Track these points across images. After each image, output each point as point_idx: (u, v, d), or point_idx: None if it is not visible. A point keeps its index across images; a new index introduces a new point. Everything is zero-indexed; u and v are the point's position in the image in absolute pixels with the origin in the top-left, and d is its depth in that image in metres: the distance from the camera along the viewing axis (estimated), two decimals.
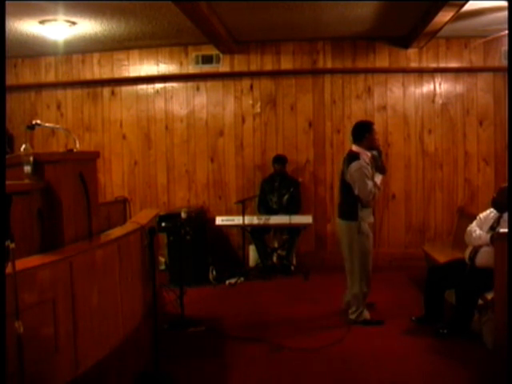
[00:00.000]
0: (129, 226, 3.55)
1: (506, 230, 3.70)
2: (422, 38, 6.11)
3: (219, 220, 6.31)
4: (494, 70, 6.58)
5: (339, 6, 5.32)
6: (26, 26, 5.65)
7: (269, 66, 6.82)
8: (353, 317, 4.43)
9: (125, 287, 3.06)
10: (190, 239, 5.90)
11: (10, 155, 3.00)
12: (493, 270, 3.72)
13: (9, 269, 1.95)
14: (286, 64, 6.79)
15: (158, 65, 7.01)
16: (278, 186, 6.49)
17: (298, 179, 6.70)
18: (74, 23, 5.61)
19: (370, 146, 4.40)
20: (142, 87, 7.08)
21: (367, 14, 5.58)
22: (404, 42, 6.57)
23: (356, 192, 4.31)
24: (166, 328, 4.30)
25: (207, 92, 6.98)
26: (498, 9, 5.11)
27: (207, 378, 3.48)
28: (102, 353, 2.71)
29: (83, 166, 3.02)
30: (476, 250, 4.18)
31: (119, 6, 5.13)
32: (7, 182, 2.33)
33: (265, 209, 6.50)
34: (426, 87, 6.74)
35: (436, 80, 6.72)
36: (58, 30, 5.66)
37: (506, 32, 5.05)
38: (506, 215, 4.08)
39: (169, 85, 7.04)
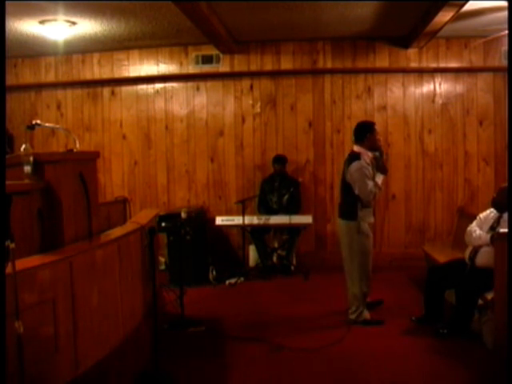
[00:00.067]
0: (129, 226, 3.55)
1: (506, 230, 3.71)
2: (422, 38, 6.11)
3: (219, 220, 6.31)
4: (494, 69, 6.58)
5: (339, 6, 5.32)
6: (26, 26, 5.65)
7: (269, 66, 6.82)
8: (353, 317, 4.43)
9: (125, 287, 3.06)
10: (190, 239, 5.90)
11: (9, 155, 3.00)
12: (493, 269, 3.72)
13: (9, 269, 1.95)
14: (286, 64, 6.79)
15: (158, 65, 7.01)
16: (278, 186, 6.49)
17: (298, 179, 6.70)
18: (74, 23, 5.61)
19: (372, 146, 4.41)
20: (142, 87, 7.08)
21: (367, 14, 5.58)
22: (404, 42, 6.57)
23: (356, 192, 4.32)
24: (165, 328, 4.30)
25: (207, 92, 6.98)
26: (498, 9, 5.11)
27: (207, 378, 3.48)
28: (102, 353, 2.71)
29: (83, 166, 3.02)
30: (476, 250, 4.18)
31: (119, 5, 5.13)
32: (7, 182, 2.33)
33: (265, 209, 6.50)
34: (426, 87, 6.74)
35: (436, 80, 6.72)
36: (58, 29, 5.66)
37: (506, 32, 5.05)
38: (505, 215, 4.08)
39: (169, 85, 7.04)
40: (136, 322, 3.30)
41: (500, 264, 3.59)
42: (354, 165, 4.32)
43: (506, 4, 4.76)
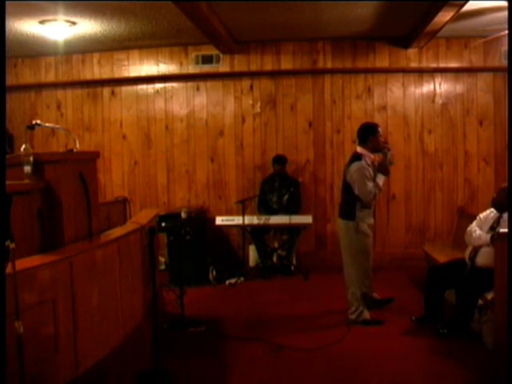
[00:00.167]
0: (129, 226, 3.55)
1: (506, 230, 3.70)
2: (422, 38, 6.11)
3: (219, 220, 6.31)
4: (494, 69, 6.58)
5: (339, 6, 5.32)
6: (26, 26, 5.65)
7: (269, 66, 6.82)
8: (353, 317, 4.43)
9: (125, 287, 3.06)
10: (189, 239, 5.90)
11: (9, 155, 2.99)
12: (493, 269, 3.72)
13: (9, 269, 1.95)
14: (286, 64, 6.79)
15: (158, 65, 7.01)
16: (278, 185, 6.49)
17: (297, 179, 6.70)
18: (74, 23, 5.61)
19: (375, 147, 4.44)
20: (142, 87, 7.08)
21: (367, 14, 5.58)
22: (404, 42, 6.57)
23: (356, 192, 4.34)
24: (166, 328, 4.30)
25: (207, 92, 6.98)
26: (498, 9, 5.11)
27: (207, 378, 3.48)
28: (102, 353, 2.71)
29: (83, 166, 3.02)
30: (476, 250, 4.19)
31: (119, 5, 5.13)
32: (7, 182, 2.33)
33: (265, 209, 6.50)
34: (426, 87, 6.74)
35: (436, 80, 6.72)
36: (58, 29, 5.66)
37: (506, 32, 5.05)
38: (505, 215, 4.09)
39: (169, 85, 7.04)
40: (136, 321, 3.30)
41: (500, 264, 3.59)
42: (355, 165, 4.34)
43: (505, 4, 4.76)
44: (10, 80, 6.96)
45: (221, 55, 6.82)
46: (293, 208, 6.40)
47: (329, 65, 6.75)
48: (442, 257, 5.20)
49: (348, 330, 4.27)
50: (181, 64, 6.97)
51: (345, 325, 4.38)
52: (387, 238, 6.63)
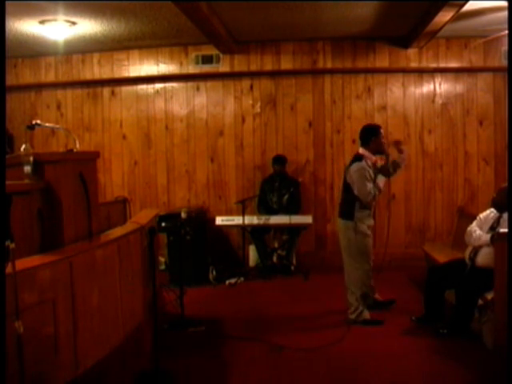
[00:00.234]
0: (129, 226, 3.55)
1: (506, 230, 3.71)
2: (422, 38, 6.11)
3: (219, 220, 6.31)
4: (494, 69, 6.59)
5: (339, 6, 5.32)
6: (26, 26, 5.65)
7: (269, 66, 6.82)
8: (352, 317, 4.43)
9: (125, 287, 3.06)
10: (189, 239, 5.90)
11: (9, 155, 2.99)
12: (493, 270, 3.72)
13: (9, 269, 1.95)
14: (286, 64, 6.79)
15: (158, 65, 7.01)
16: (278, 186, 6.49)
17: (297, 179, 6.70)
18: (74, 23, 5.61)
19: (377, 149, 4.46)
20: (142, 87, 7.08)
21: (367, 14, 5.58)
22: (404, 42, 6.57)
23: (355, 192, 4.35)
24: (166, 328, 4.30)
25: (207, 92, 6.98)
26: (498, 9, 5.11)
27: (207, 378, 3.48)
28: (102, 353, 2.70)
29: (83, 166, 3.02)
30: (476, 250, 4.18)
31: (119, 5, 5.13)
32: (7, 182, 2.33)
33: (265, 209, 6.50)
34: (426, 87, 6.74)
35: (436, 80, 6.72)
36: (58, 29, 5.66)
37: (506, 32, 5.05)
38: (505, 215, 4.08)
39: (169, 85, 7.04)
40: (136, 321, 3.30)
41: (500, 264, 3.59)
42: (355, 165, 4.37)
43: (505, 4, 4.76)
44: (10, 80, 6.96)
45: (221, 55, 6.82)
46: (293, 208, 6.40)
47: (329, 65, 6.76)
48: (441, 257, 5.20)
49: (348, 329, 4.27)
50: (181, 64, 6.97)
51: (345, 325, 4.38)
52: (387, 238, 6.62)
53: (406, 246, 6.74)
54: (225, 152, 6.95)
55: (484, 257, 4.09)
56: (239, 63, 6.85)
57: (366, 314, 4.44)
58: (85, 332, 2.52)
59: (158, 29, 6.01)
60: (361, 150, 4.47)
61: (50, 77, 7.17)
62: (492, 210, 4.29)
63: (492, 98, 6.64)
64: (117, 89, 7.11)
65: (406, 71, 6.72)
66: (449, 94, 6.72)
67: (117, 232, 3.27)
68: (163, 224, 5.80)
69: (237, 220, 6.20)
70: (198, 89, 6.99)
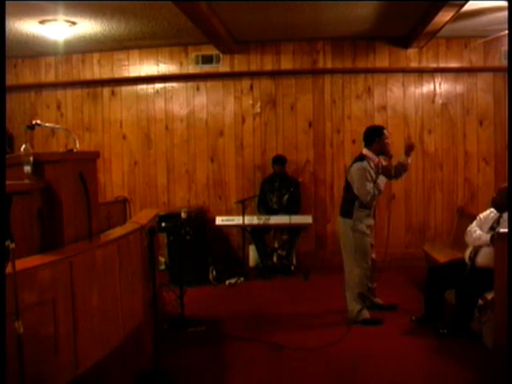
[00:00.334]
0: (129, 226, 3.55)
1: (506, 230, 3.71)
2: (422, 38, 6.11)
3: (219, 220, 6.31)
4: (494, 69, 6.59)
5: (339, 6, 5.32)
6: (26, 26, 5.65)
7: (269, 66, 6.82)
8: (352, 316, 4.44)
9: (125, 287, 3.06)
10: (189, 239, 5.90)
11: (9, 155, 2.99)
12: (493, 270, 3.72)
13: (9, 269, 1.95)
14: (286, 64, 6.79)
15: (158, 65, 7.01)
16: (278, 186, 6.49)
17: (297, 179, 6.70)
18: (74, 23, 5.61)
19: (380, 150, 4.47)
20: (142, 87, 7.08)
21: (367, 14, 5.58)
22: (404, 42, 6.57)
23: (355, 191, 4.37)
24: (166, 328, 4.30)
25: (207, 92, 6.98)
26: (498, 9, 5.11)
27: (207, 378, 3.48)
28: (102, 353, 2.71)
29: (83, 166, 3.02)
30: (476, 250, 4.18)
31: (119, 5, 5.13)
32: (7, 182, 2.33)
33: (265, 209, 6.50)
34: (426, 87, 6.74)
35: (436, 80, 6.72)
36: (58, 29, 5.66)
37: (506, 32, 5.05)
38: (505, 215, 4.08)
39: (169, 85, 7.04)
40: (136, 321, 3.30)
41: (500, 264, 3.59)
42: (356, 165, 4.40)
43: (505, 4, 4.76)
44: (10, 80, 6.95)
45: (221, 55, 6.82)
46: (293, 208, 6.40)
47: (329, 65, 6.76)
48: (441, 257, 5.20)
49: (348, 329, 4.27)
50: (181, 64, 6.97)
51: (345, 325, 4.38)
52: (387, 238, 6.62)
53: (406, 246, 6.74)
54: (225, 152, 6.95)
55: (484, 257, 4.09)
56: (239, 63, 6.85)
57: (366, 314, 4.45)
58: (85, 332, 2.52)
59: (157, 29, 6.01)
60: (364, 151, 4.50)
61: (50, 77, 7.17)
62: (492, 210, 4.29)
63: (492, 98, 6.64)
64: (117, 89, 7.11)
65: (405, 71, 6.72)
66: (449, 94, 6.72)
67: (117, 232, 3.27)
68: (163, 224, 5.80)
69: (237, 220, 6.20)
70: (197, 89, 6.99)
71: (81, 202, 2.95)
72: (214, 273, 6.12)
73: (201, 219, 6.46)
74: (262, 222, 6.15)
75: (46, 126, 3.88)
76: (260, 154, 6.88)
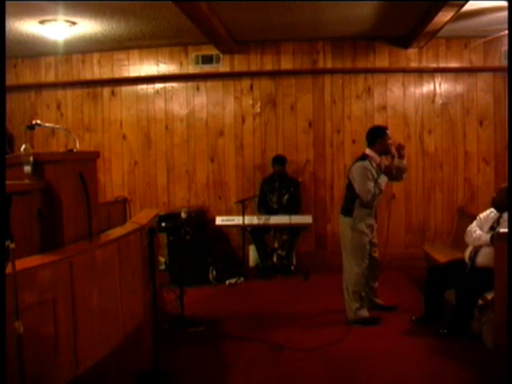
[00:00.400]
0: (129, 226, 3.55)
1: (506, 230, 3.71)
2: (422, 38, 6.11)
3: (219, 220, 6.31)
4: (494, 69, 6.59)
5: (339, 6, 5.32)
6: (26, 26, 5.65)
7: (269, 66, 6.82)
8: (350, 315, 4.46)
9: (125, 287, 3.06)
10: (190, 239, 5.90)
11: (9, 155, 2.99)
12: (493, 269, 3.72)
13: (9, 269, 1.94)
14: (286, 64, 6.79)
15: (158, 65, 7.01)
16: (278, 186, 6.49)
17: (297, 179, 6.70)
18: (74, 23, 5.61)
19: (383, 150, 4.50)
20: (142, 87, 7.08)
21: (367, 14, 5.58)
22: (404, 42, 6.57)
23: (356, 190, 4.40)
24: (166, 328, 4.30)
25: (207, 92, 6.98)
26: (498, 9, 5.11)
27: (207, 378, 3.48)
28: (101, 353, 2.70)
29: (83, 166, 3.02)
30: (476, 250, 4.18)
31: (119, 5, 5.13)
32: (7, 182, 2.33)
33: (265, 209, 6.50)
34: (426, 87, 6.74)
35: (436, 80, 6.72)
36: (58, 29, 5.66)
37: (506, 32, 5.05)
38: (505, 215, 4.08)
39: (169, 85, 7.04)
40: (136, 321, 3.29)
41: (500, 264, 3.59)
42: (357, 164, 4.44)
43: (505, 4, 4.76)
44: (10, 80, 6.95)
45: (221, 55, 6.82)
46: (293, 208, 6.40)
47: (329, 65, 6.76)
48: (441, 257, 5.20)
49: (348, 329, 4.27)
50: (181, 64, 6.97)
51: (345, 325, 4.38)
52: (387, 238, 6.62)
53: (406, 246, 6.74)
54: (225, 152, 6.95)
55: (484, 257, 4.09)
56: (239, 63, 6.85)
57: (364, 312, 4.46)
58: (85, 332, 2.52)
59: (157, 29, 6.01)
60: (367, 151, 4.52)
61: (50, 77, 7.17)
62: (492, 210, 4.29)
63: (492, 98, 6.64)
64: (117, 89, 7.11)
65: (406, 71, 6.72)
66: (449, 94, 6.72)
67: (117, 232, 3.27)
68: (163, 224, 5.80)
69: (237, 220, 6.20)
70: (197, 89, 6.99)
71: (81, 202, 2.95)
72: (214, 273, 6.12)
73: (201, 219, 6.46)
74: (262, 221, 6.16)
75: (46, 126, 3.88)
76: (260, 154, 6.88)
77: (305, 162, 6.84)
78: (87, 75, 7.11)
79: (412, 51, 6.65)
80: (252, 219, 6.16)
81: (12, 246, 1.94)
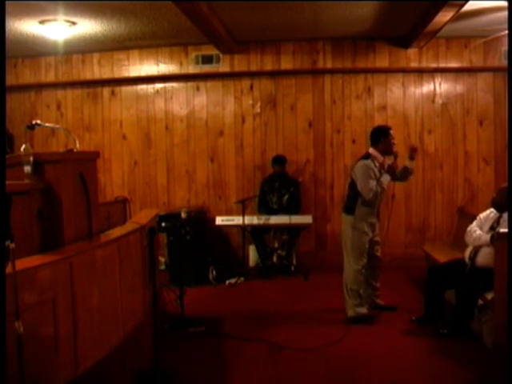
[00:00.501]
0: (129, 226, 3.55)
1: (505, 230, 3.71)
2: (422, 38, 6.11)
3: (219, 220, 6.31)
4: (494, 69, 6.59)
5: (339, 6, 5.32)
6: (26, 26, 5.65)
7: (269, 66, 6.82)
8: (349, 312, 4.48)
9: (125, 287, 3.06)
10: (190, 239, 5.90)
11: (9, 155, 2.99)
12: (493, 269, 3.72)
13: (9, 269, 1.95)
14: (286, 64, 6.79)
15: (158, 65, 7.01)
16: (278, 186, 6.49)
17: (297, 179, 6.70)
18: (74, 23, 5.61)
19: (386, 150, 4.53)
20: (142, 87, 7.08)
21: (367, 14, 5.58)
22: (404, 42, 6.57)
23: (358, 188, 4.42)
24: (166, 328, 4.30)
25: (207, 92, 6.98)
26: (498, 9, 5.11)
27: (207, 378, 3.48)
28: (101, 353, 2.71)
29: (83, 166, 3.02)
30: (476, 250, 4.18)
31: (119, 5, 5.13)
32: (7, 182, 2.33)
33: (265, 209, 6.50)
34: (426, 87, 6.74)
35: (436, 80, 6.72)
36: (58, 29, 5.67)
37: (506, 32, 5.05)
38: (505, 215, 4.08)
39: (169, 85, 7.04)
40: (136, 321, 3.29)
41: (500, 264, 3.59)
42: (360, 162, 4.48)
43: (505, 4, 4.76)
44: (10, 80, 6.95)
45: (221, 55, 6.82)
46: (293, 208, 6.40)
47: (329, 65, 6.76)
48: (441, 257, 5.20)
49: (348, 329, 4.27)
50: (181, 64, 6.97)
51: (345, 325, 4.38)
52: (387, 238, 6.62)
53: (406, 246, 6.74)
54: (225, 152, 6.95)
55: (484, 257, 4.09)
56: (239, 63, 6.85)
57: (363, 309, 4.48)
58: (85, 332, 2.52)
59: (157, 29, 6.01)
60: (370, 150, 4.55)
61: (50, 77, 7.17)
62: (492, 210, 4.29)
63: (492, 98, 6.64)
64: (117, 89, 7.11)
65: (406, 71, 6.72)
66: (449, 94, 6.72)
67: (117, 232, 3.27)
68: (163, 224, 5.80)
69: (237, 220, 6.20)
70: (198, 89, 6.99)
71: (81, 202, 2.95)
72: (214, 273, 6.12)
73: (201, 219, 6.46)
74: (261, 221, 6.16)
75: (46, 126, 3.88)
76: (260, 154, 6.88)
77: (305, 162, 6.84)
78: (87, 75, 7.11)
79: (412, 51, 6.65)
80: (252, 219, 6.16)
81: (12, 246, 1.94)
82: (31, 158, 2.70)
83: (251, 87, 6.89)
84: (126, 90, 7.10)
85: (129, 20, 5.63)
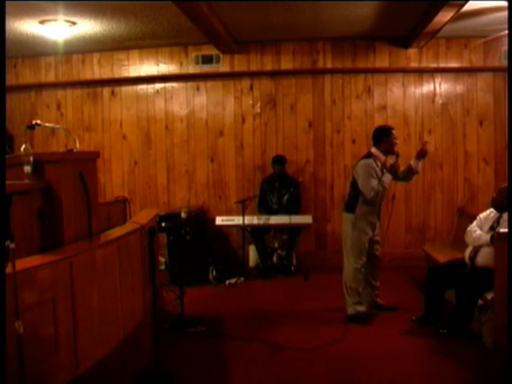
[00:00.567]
0: (129, 226, 3.55)
1: (505, 230, 3.71)
2: (422, 38, 6.11)
3: (219, 220, 6.31)
4: (494, 69, 6.59)
5: (339, 6, 5.32)
6: (26, 26, 5.65)
7: (269, 66, 6.82)
8: (349, 310, 4.49)
9: (125, 287, 3.06)
10: (190, 239, 5.90)
11: (9, 155, 2.99)
12: (493, 269, 3.72)
13: (9, 269, 1.95)
14: (286, 64, 6.79)
15: (158, 65, 7.01)
16: (278, 186, 6.49)
17: (297, 179, 6.70)
18: (74, 23, 5.61)
19: (388, 149, 4.55)
20: (142, 87, 7.08)
21: (367, 14, 5.58)
22: (404, 42, 6.57)
23: (360, 187, 4.44)
24: (166, 328, 4.30)
25: (207, 92, 6.98)
26: (498, 9, 5.11)
27: (207, 378, 3.48)
28: (101, 353, 2.71)
29: (83, 166, 3.02)
30: (476, 250, 4.18)
31: (119, 5, 5.13)
32: (7, 182, 2.33)
33: (265, 209, 6.50)
34: (426, 87, 6.74)
35: (436, 80, 6.72)
36: (58, 29, 5.67)
37: (506, 32, 5.05)
38: (505, 215, 4.08)
39: (169, 85, 7.04)
40: (136, 321, 3.30)
41: (500, 264, 3.59)
42: (362, 161, 4.51)
43: (505, 4, 4.76)
44: (10, 80, 6.96)
45: (221, 55, 6.82)
46: (293, 208, 6.40)
47: (329, 65, 6.76)
48: (441, 257, 5.20)
49: (348, 329, 4.27)
50: (181, 64, 6.97)
51: (345, 325, 4.39)
52: (387, 238, 6.63)
53: (406, 246, 6.74)
54: (225, 152, 6.95)
55: (484, 257, 4.09)
56: (239, 63, 6.85)
57: (362, 307, 4.50)
58: (85, 332, 2.52)
59: (157, 29, 6.01)
60: (373, 150, 4.57)
61: (50, 77, 7.17)
62: (492, 210, 4.29)
63: (492, 97, 6.64)
64: (117, 89, 7.11)
65: (406, 71, 6.72)
66: (449, 94, 6.72)
67: (117, 232, 3.27)
68: (163, 224, 5.80)
69: (237, 220, 6.20)
70: (198, 89, 6.99)
71: (81, 202, 2.95)
72: (214, 273, 6.12)
73: (201, 219, 6.46)
74: (261, 222, 6.16)
75: (46, 126, 3.88)
76: (260, 154, 6.88)
77: (305, 162, 6.84)
78: (87, 75, 7.11)
79: (412, 51, 6.65)
80: (252, 219, 6.16)
81: (12, 246, 1.94)
82: (31, 158, 2.70)
83: (251, 87, 6.89)
84: (126, 90, 7.10)
85: (129, 20, 5.63)
